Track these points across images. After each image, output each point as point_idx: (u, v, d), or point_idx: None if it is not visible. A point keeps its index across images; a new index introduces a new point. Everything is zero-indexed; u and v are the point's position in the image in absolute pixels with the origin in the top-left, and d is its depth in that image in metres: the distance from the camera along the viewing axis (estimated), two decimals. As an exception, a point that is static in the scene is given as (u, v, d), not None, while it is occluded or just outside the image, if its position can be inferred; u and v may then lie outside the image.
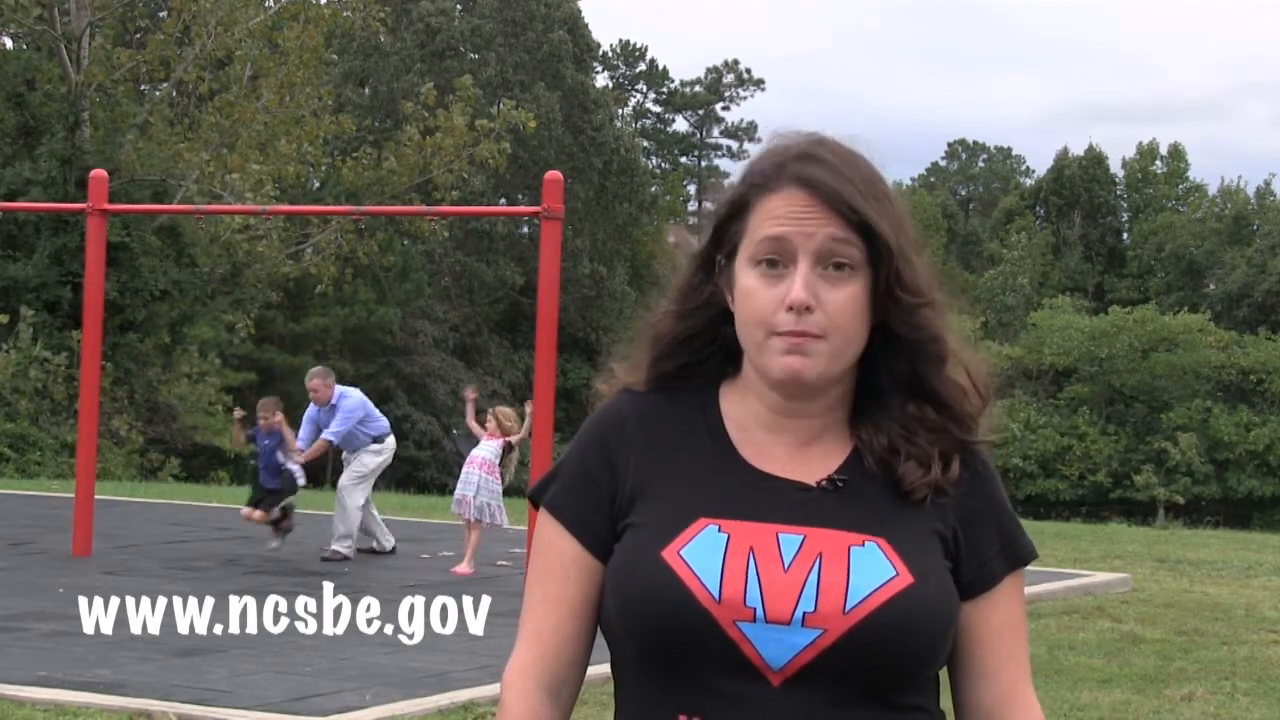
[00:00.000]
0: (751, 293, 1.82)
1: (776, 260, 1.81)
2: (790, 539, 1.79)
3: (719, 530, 1.80)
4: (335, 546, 13.01)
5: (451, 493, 13.49)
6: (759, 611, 1.75)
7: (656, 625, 1.77)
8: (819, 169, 1.84)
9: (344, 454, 13.61)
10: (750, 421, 1.89)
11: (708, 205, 2.01)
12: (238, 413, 14.31)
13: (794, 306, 1.79)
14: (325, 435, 13.19)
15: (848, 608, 1.75)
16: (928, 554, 1.82)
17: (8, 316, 28.09)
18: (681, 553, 1.78)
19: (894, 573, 1.77)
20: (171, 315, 31.22)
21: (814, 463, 1.87)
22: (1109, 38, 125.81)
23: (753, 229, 1.84)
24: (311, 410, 13.57)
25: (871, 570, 1.77)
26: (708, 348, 1.93)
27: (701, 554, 1.78)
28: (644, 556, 1.80)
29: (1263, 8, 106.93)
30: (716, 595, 1.75)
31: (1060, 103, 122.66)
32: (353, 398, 13.45)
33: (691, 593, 1.75)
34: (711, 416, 1.91)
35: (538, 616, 1.88)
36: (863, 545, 1.79)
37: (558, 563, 1.88)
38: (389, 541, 13.59)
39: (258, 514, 12.84)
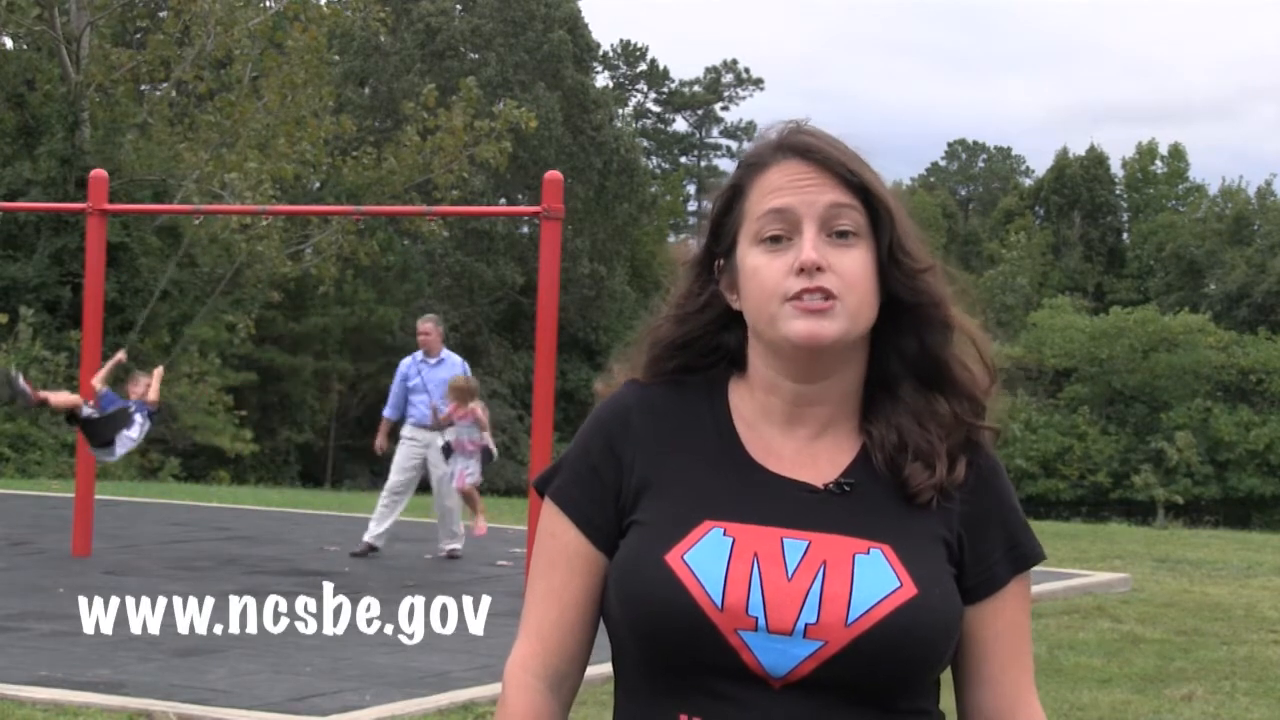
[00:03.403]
0: (758, 269, 1.81)
1: (780, 235, 1.81)
2: (795, 544, 1.78)
3: (724, 534, 1.78)
4: (452, 545, 13.04)
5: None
6: (761, 621, 1.74)
7: (658, 628, 1.76)
8: (812, 140, 1.85)
9: (407, 430, 13.05)
10: (759, 417, 1.87)
11: (706, 205, 2.00)
12: (121, 355, 13.86)
13: (805, 267, 1.77)
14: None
15: (850, 620, 1.73)
16: (932, 562, 1.80)
17: (7, 316, 28.09)
18: (685, 557, 1.77)
19: (898, 584, 1.76)
20: (171, 315, 31.22)
21: (821, 461, 1.85)
22: (1114, 40, 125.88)
23: (752, 209, 1.84)
24: (406, 368, 13.10)
25: (875, 580, 1.75)
26: (709, 355, 1.91)
27: (705, 559, 1.76)
28: (648, 559, 1.78)
29: (1269, 9, 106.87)
30: (719, 603, 1.74)
31: (1065, 104, 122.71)
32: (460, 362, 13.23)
33: (694, 599, 1.74)
34: (719, 411, 1.89)
35: (540, 610, 1.87)
36: (867, 553, 1.77)
37: (561, 556, 1.87)
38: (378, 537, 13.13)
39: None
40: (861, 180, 1.81)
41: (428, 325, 13.24)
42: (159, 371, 13.49)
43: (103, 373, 12.83)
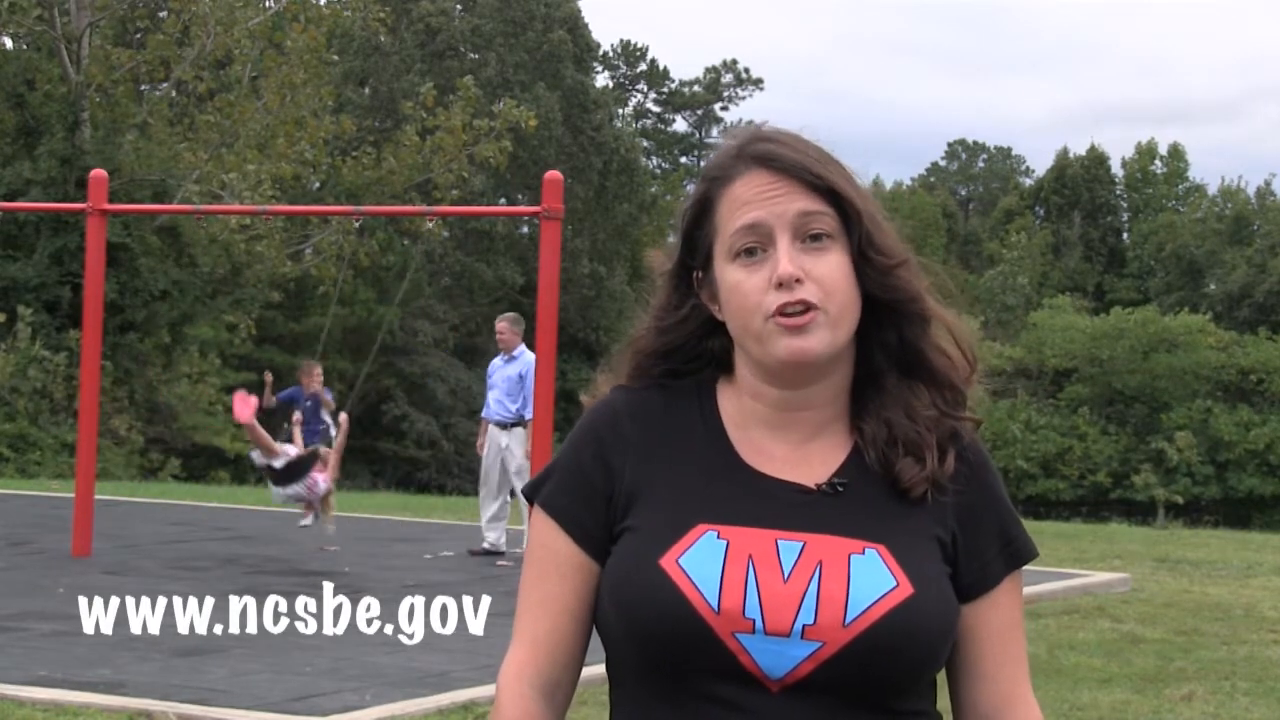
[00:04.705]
0: (737, 285, 1.80)
1: (755, 248, 1.80)
2: (790, 546, 1.77)
3: (718, 537, 1.77)
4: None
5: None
6: (758, 623, 1.73)
7: (654, 633, 1.76)
8: (774, 146, 1.83)
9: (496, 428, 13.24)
10: (748, 419, 1.86)
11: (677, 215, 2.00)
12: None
13: (784, 281, 1.77)
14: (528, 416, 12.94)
15: (847, 620, 1.73)
16: (927, 560, 1.80)
17: (6, 316, 28.08)
18: (680, 561, 1.76)
19: (894, 583, 1.75)
20: (171, 315, 31.22)
21: (814, 461, 1.84)
22: (1114, 40, 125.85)
23: (723, 224, 1.83)
24: (489, 366, 13.53)
25: (872, 580, 1.75)
26: (694, 361, 1.91)
27: (700, 562, 1.75)
28: (642, 564, 1.78)
29: (1269, 9, 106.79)
30: (715, 606, 1.73)
31: (1065, 104, 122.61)
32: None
33: (690, 603, 1.73)
34: (709, 414, 1.88)
35: (533, 618, 1.86)
36: (863, 553, 1.77)
37: (553, 563, 1.86)
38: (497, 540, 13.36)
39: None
40: (828, 183, 1.81)
41: (502, 325, 13.41)
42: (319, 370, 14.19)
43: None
